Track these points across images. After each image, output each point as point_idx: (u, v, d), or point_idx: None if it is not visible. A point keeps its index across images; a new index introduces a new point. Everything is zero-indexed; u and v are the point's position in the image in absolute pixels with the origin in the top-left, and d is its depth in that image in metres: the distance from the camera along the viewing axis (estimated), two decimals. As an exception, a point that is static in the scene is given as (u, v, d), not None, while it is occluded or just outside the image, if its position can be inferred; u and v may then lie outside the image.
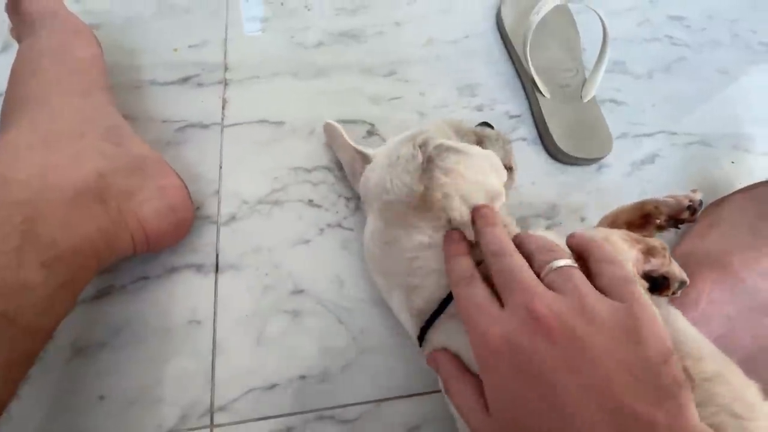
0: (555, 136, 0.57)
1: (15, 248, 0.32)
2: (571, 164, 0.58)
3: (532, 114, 0.61)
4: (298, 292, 0.46)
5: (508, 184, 0.45)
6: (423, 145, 0.36)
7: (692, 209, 0.33)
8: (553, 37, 0.65)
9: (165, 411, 0.40)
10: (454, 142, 0.37)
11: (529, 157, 0.58)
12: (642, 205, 0.34)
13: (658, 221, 0.34)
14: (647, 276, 0.32)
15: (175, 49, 0.57)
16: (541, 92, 0.59)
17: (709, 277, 0.44)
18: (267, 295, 0.46)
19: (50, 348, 0.40)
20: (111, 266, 0.44)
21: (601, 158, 0.58)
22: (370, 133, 0.56)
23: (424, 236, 0.35)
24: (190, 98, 0.54)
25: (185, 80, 0.55)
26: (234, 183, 0.50)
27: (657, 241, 0.34)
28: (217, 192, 0.50)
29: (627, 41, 0.69)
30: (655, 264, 0.31)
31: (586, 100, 0.60)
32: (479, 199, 0.35)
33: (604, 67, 0.59)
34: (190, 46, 0.57)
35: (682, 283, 0.33)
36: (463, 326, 0.28)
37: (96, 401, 0.39)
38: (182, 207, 0.45)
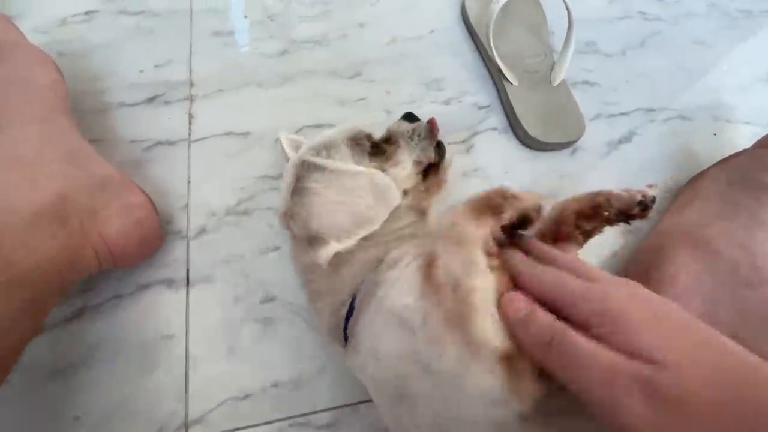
0: (525, 124, 0.56)
1: None
2: (544, 150, 0.57)
3: (501, 103, 0.60)
4: (270, 299, 0.46)
5: (438, 179, 0.44)
6: (297, 164, 0.38)
7: (643, 205, 0.31)
8: (518, 23, 0.64)
9: (141, 426, 0.41)
10: (322, 159, 0.37)
11: (501, 146, 0.57)
12: (594, 196, 0.33)
13: (606, 214, 0.32)
14: (509, 227, 0.30)
15: (141, 71, 0.58)
16: (508, 80, 0.58)
17: (685, 252, 0.42)
18: (238, 305, 0.46)
19: (23, 371, 0.41)
20: (83, 286, 0.45)
21: (574, 141, 0.57)
22: (337, 135, 0.56)
23: (308, 257, 0.36)
24: (157, 117, 0.55)
25: (152, 100, 0.56)
26: (202, 196, 0.51)
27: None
28: (186, 206, 0.50)
29: (597, 20, 0.67)
30: (505, 216, 0.29)
31: (555, 84, 0.59)
32: (341, 222, 0.35)
33: (571, 49, 0.58)
34: (155, 66, 0.58)
35: (537, 208, 0.30)
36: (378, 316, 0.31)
37: (71, 422, 0.40)
38: (148, 223, 0.45)
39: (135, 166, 0.52)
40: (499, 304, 0.25)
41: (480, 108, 0.60)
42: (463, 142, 0.57)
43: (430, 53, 0.63)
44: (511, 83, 0.58)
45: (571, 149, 0.57)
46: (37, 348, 0.42)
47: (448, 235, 0.29)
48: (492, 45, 0.58)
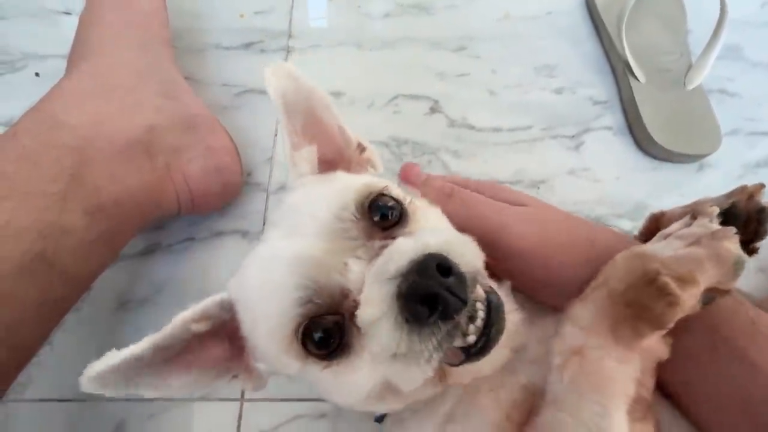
0: (648, 127, 0.49)
1: (60, 191, 0.31)
2: (666, 160, 0.50)
3: (622, 101, 0.53)
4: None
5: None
6: None
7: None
8: (653, 15, 0.56)
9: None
10: None
11: (615, 148, 0.50)
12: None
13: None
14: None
15: (242, 15, 0.56)
16: (635, 76, 0.51)
17: None
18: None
19: (92, 299, 0.40)
20: (159, 225, 0.44)
21: (705, 156, 0.49)
22: (433, 110, 0.52)
23: None
24: (252, 64, 0.53)
25: (248, 46, 0.54)
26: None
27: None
28: (270, 159, 0.48)
29: (745, 23, 0.58)
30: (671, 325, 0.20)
31: (690, 88, 0.51)
32: None
33: (716, 50, 0.49)
34: (256, 13, 0.56)
35: (731, 277, 0.21)
36: None
37: (132, 357, 0.39)
38: (230, 169, 0.43)
39: (223, 110, 0.50)
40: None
41: (595, 103, 0.53)
42: (573, 137, 0.51)
43: (545, 36, 0.57)
44: (637, 80, 0.51)
45: (698, 164, 0.50)
46: (108, 278, 0.41)
47: (567, 375, 0.20)
48: (623, 36, 0.51)
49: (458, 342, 0.20)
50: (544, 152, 0.50)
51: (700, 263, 0.20)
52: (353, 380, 0.22)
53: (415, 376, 0.20)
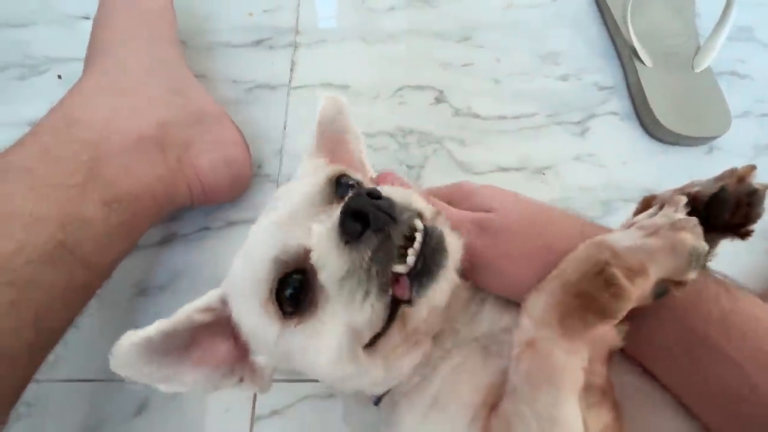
0: (655, 110, 0.49)
1: (80, 183, 0.33)
2: (674, 144, 0.49)
3: (628, 86, 0.53)
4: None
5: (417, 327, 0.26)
6: None
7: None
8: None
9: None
10: None
11: (622, 133, 0.50)
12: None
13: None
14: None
15: (250, 14, 0.57)
16: (641, 60, 0.51)
17: None
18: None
19: (113, 286, 0.42)
20: (175, 215, 0.46)
21: (713, 138, 0.49)
22: (438, 100, 0.52)
23: None
24: (261, 60, 0.55)
25: (258, 43, 0.56)
26: (296, 144, 0.50)
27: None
28: (280, 152, 0.49)
29: (757, 4, 0.57)
30: (620, 315, 0.21)
31: (698, 71, 0.51)
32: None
33: (726, 31, 0.49)
34: (264, 11, 0.58)
35: (684, 269, 0.21)
36: None
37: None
38: (240, 162, 0.45)
39: (234, 105, 0.52)
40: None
41: (601, 89, 0.53)
42: (578, 123, 0.51)
43: (549, 23, 0.57)
44: (644, 64, 0.51)
45: (707, 147, 0.49)
46: (128, 267, 0.43)
47: (522, 366, 0.21)
48: (629, 20, 0.51)
49: (399, 268, 0.22)
50: (549, 139, 0.50)
51: (651, 254, 0.20)
52: (323, 334, 0.23)
53: (367, 310, 0.22)
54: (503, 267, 0.26)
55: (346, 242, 0.21)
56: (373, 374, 0.25)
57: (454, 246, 0.24)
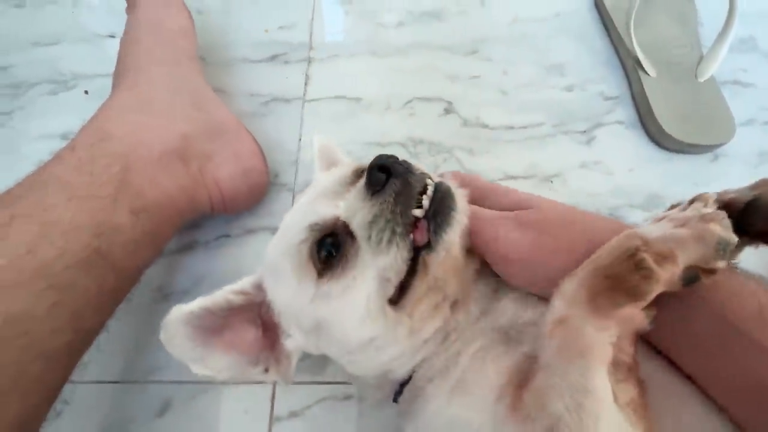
0: (660, 119, 0.50)
1: (111, 194, 0.35)
2: (679, 152, 0.51)
3: (633, 96, 0.54)
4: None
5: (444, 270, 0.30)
6: None
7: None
8: (663, 10, 0.57)
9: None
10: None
11: (627, 142, 0.52)
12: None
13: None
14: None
15: (266, 30, 0.60)
16: (644, 70, 0.52)
17: None
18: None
19: (140, 291, 0.44)
20: (195, 223, 0.48)
21: (718, 146, 0.50)
22: (447, 111, 0.54)
23: None
24: (276, 75, 0.57)
25: (273, 58, 0.58)
26: (311, 154, 0.52)
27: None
28: (295, 162, 0.51)
29: (759, 15, 0.58)
30: (649, 297, 0.22)
31: (702, 80, 0.52)
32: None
33: (728, 41, 0.50)
34: (279, 28, 0.60)
35: (714, 254, 0.22)
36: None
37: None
38: (257, 171, 0.47)
39: (251, 118, 0.54)
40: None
41: (606, 99, 0.54)
42: (584, 132, 0.52)
43: (554, 36, 0.59)
44: (647, 74, 0.52)
45: (712, 154, 0.50)
46: (153, 273, 0.45)
47: (554, 342, 0.22)
48: (632, 31, 0.52)
49: (417, 211, 0.27)
50: (556, 148, 0.52)
51: (681, 242, 0.22)
52: (353, 289, 0.27)
53: (393, 250, 0.26)
54: (545, 259, 0.27)
55: (373, 194, 0.27)
56: (400, 334, 0.27)
57: (461, 196, 0.29)
